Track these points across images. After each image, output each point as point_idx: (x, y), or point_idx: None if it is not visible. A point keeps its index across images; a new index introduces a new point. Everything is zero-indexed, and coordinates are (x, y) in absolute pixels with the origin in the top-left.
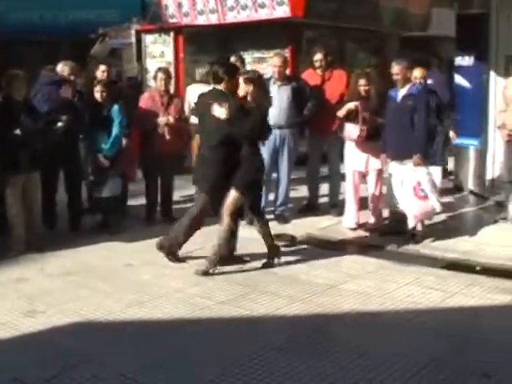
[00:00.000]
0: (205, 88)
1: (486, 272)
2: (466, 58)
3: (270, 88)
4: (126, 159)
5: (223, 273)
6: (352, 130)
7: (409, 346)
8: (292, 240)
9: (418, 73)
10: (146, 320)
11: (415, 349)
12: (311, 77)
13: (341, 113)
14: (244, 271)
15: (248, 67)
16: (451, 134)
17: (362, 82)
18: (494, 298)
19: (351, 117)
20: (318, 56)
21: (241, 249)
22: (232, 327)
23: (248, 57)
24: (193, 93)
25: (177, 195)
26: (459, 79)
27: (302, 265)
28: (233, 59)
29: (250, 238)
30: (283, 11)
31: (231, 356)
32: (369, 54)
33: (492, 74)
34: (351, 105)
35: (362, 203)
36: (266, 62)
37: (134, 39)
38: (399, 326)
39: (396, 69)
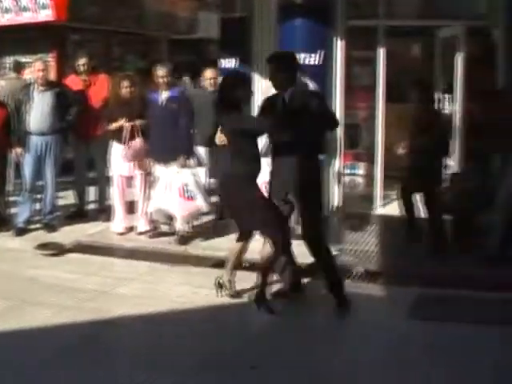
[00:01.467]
0: None
1: (255, 267)
2: (231, 60)
3: (31, 94)
4: None
5: None
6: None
7: (182, 344)
8: (61, 248)
9: (209, 74)
10: None
11: (189, 347)
12: (74, 82)
13: (113, 127)
14: (8, 283)
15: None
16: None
17: (124, 84)
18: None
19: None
20: (82, 61)
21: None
22: None
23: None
24: None
25: None
26: None
27: (71, 272)
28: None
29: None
30: (46, 15)
31: None
32: (137, 57)
33: (256, 76)
34: (125, 124)
35: (131, 207)
36: (31, 67)
37: None
38: (172, 326)
39: (161, 72)
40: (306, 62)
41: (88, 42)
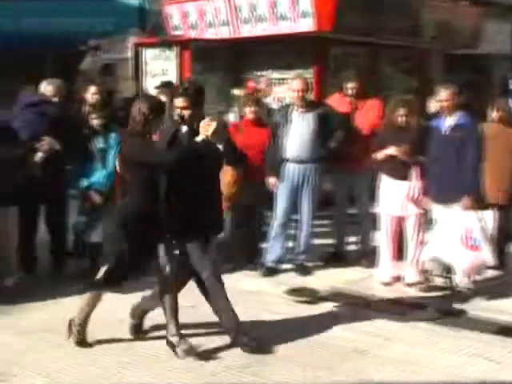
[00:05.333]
0: None
1: None
2: None
3: (289, 116)
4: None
5: None
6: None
7: None
8: (314, 295)
9: None
10: None
11: None
12: (339, 103)
13: (379, 156)
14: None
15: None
16: None
17: (401, 111)
18: None
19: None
20: (352, 84)
21: None
22: None
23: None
24: None
25: None
26: None
27: (323, 325)
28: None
29: None
30: (308, 24)
31: None
32: (406, 74)
33: None
34: (392, 150)
35: (400, 253)
36: (286, 85)
37: (130, 53)
38: None
39: (444, 94)
40: None
41: (352, 57)
